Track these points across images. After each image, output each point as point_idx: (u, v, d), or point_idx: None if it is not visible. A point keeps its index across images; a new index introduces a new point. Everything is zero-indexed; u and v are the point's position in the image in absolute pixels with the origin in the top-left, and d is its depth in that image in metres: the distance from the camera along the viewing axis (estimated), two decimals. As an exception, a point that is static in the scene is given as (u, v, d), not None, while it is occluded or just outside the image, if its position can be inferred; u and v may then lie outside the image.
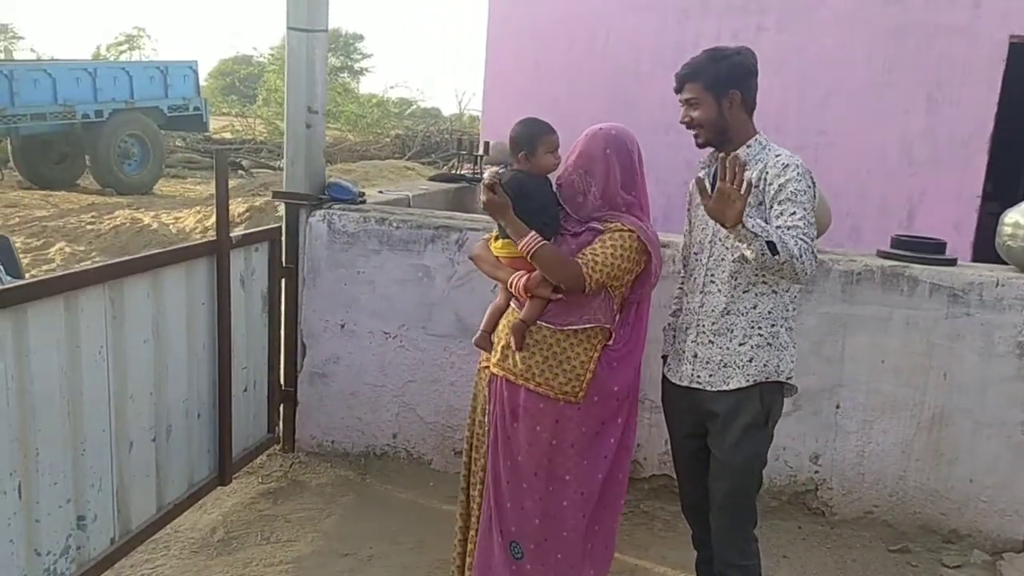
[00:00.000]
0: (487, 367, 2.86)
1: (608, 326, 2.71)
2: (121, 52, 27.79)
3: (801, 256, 2.36)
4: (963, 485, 3.77)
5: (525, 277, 2.69)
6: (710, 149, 2.75)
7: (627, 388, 2.80)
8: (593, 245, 2.65)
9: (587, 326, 2.68)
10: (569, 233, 2.72)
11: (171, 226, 9.44)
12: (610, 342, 2.72)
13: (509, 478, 2.77)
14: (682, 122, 2.69)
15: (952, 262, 3.84)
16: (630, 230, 2.66)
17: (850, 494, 3.88)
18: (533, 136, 2.76)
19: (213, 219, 9.61)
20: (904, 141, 6.99)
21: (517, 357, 2.72)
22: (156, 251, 3.43)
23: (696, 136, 2.68)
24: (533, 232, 2.64)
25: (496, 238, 2.83)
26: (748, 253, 2.41)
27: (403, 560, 3.50)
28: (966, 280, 3.66)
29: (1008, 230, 3.79)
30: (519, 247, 2.66)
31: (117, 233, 9.02)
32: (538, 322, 2.70)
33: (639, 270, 2.70)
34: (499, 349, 2.77)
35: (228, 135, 22.58)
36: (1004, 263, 3.92)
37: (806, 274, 2.41)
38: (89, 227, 9.39)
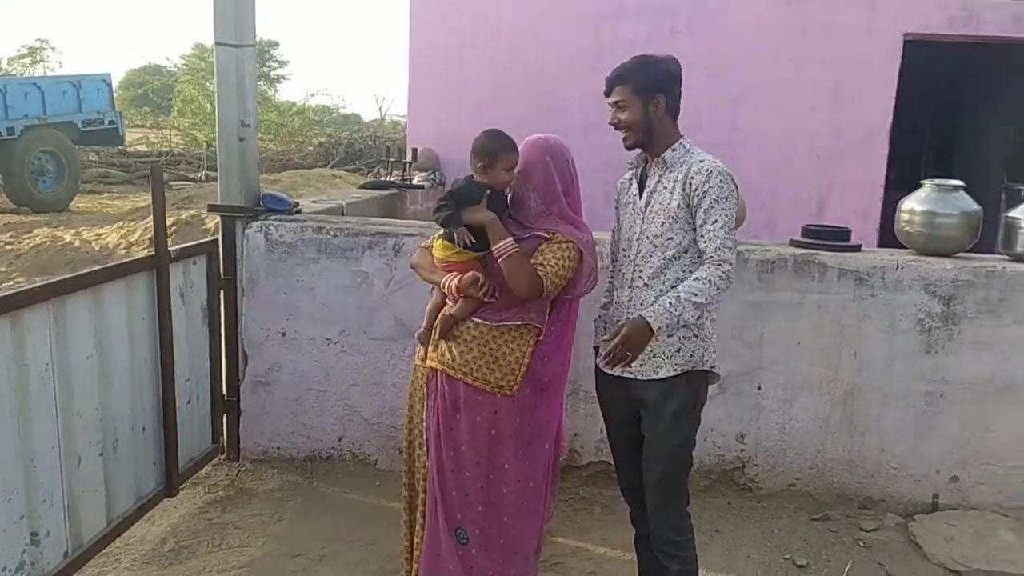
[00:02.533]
0: (421, 365, 3.01)
1: (539, 325, 2.90)
2: (25, 66, 26.88)
3: (719, 289, 2.64)
4: (875, 454, 4.06)
5: (457, 278, 2.85)
6: (638, 150, 2.93)
7: (558, 379, 3.01)
8: (546, 256, 2.81)
9: (520, 323, 2.86)
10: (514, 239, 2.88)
11: (93, 243, 9.27)
12: (541, 337, 2.91)
13: (453, 467, 2.92)
14: (611, 123, 2.85)
15: (857, 248, 4.13)
16: (571, 241, 2.85)
17: (774, 469, 4.14)
18: (495, 151, 2.86)
19: (137, 235, 9.51)
20: (812, 135, 7.39)
21: (455, 352, 2.87)
22: (96, 268, 3.48)
23: (624, 138, 2.84)
24: (511, 239, 2.79)
25: (439, 238, 2.96)
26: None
27: (354, 557, 3.62)
28: (870, 264, 3.95)
29: (905, 216, 4.10)
30: (495, 247, 2.78)
31: (38, 252, 8.83)
32: (473, 318, 2.86)
33: (573, 275, 2.90)
34: (436, 344, 2.93)
35: (143, 147, 22.06)
36: (904, 247, 4.24)
37: (730, 282, 2.68)
38: (8, 247, 9.17)
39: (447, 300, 2.96)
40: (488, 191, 2.87)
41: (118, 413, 3.48)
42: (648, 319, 2.61)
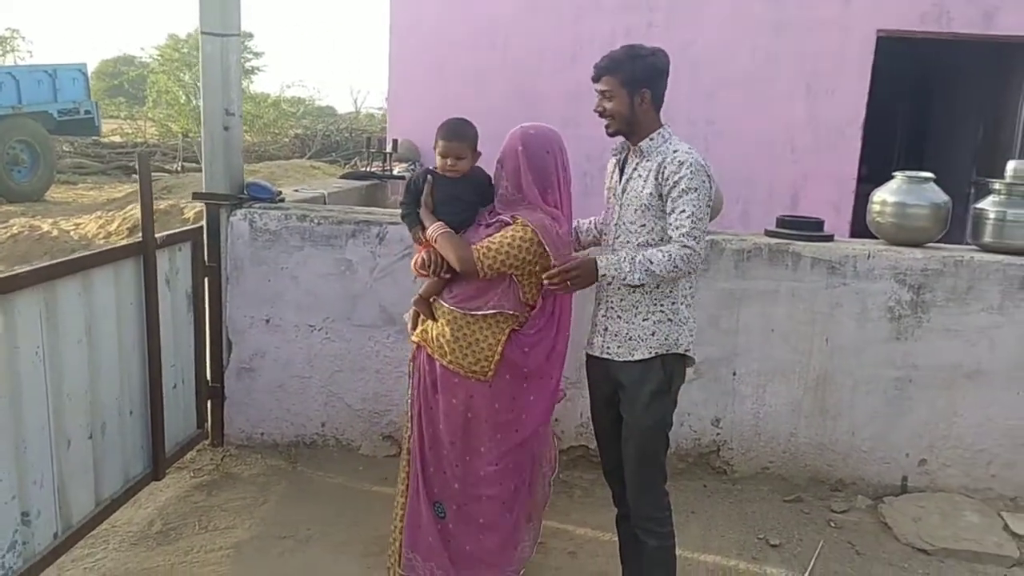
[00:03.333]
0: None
1: (513, 312, 2.94)
2: (-5, 55, 26.58)
3: (676, 267, 2.71)
4: (846, 438, 4.18)
5: (415, 257, 3.02)
6: (621, 138, 3.01)
7: (540, 370, 3.04)
8: (492, 238, 2.89)
9: (491, 312, 2.93)
10: (483, 224, 2.97)
11: (72, 232, 9.24)
12: (520, 327, 2.97)
13: (431, 444, 3.04)
14: (596, 111, 2.90)
15: (829, 238, 4.25)
16: (527, 225, 2.85)
17: (748, 452, 4.25)
18: (437, 136, 3.01)
19: (116, 224, 9.48)
20: (787, 129, 7.51)
21: (434, 332, 2.99)
22: (85, 253, 3.51)
23: (607, 126, 2.90)
24: (439, 222, 2.95)
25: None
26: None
27: (340, 538, 3.68)
28: (842, 254, 4.07)
29: (876, 207, 4.23)
30: (427, 235, 2.97)
31: (16, 242, 8.78)
32: (449, 305, 2.96)
33: (545, 263, 2.87)
34: (421, 322, 3.08)
35: (118, 138, 21.92)
36: (875, 237, 4.36)
37: (692, 266, 2.75)
38: (-16, 237, 9.12)
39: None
40: (428, 177, 3.05)
41: (107, 397, 3.52)
42: (598, 264, 2.75)
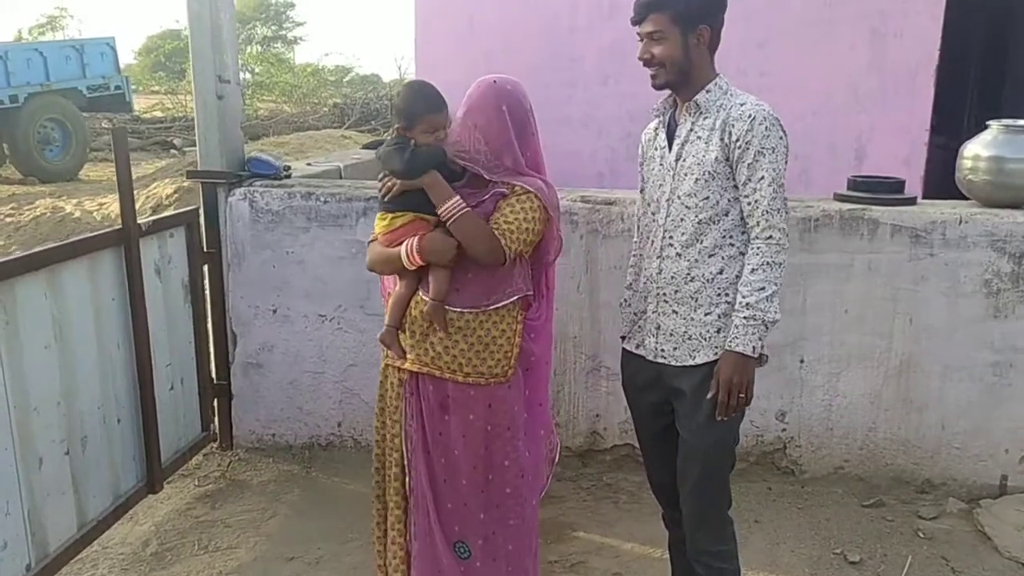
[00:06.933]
0: (391, 365, 2.58)
1: (529, 293, 2.52)
2: (42, 34, 26.63)
3: (775, 255, 2.26)
4: (935, 432, 3.64)
5: (417, 239, 2.40)
6: (665, 93, 2.47)
7: (544, 357, 2.65)
8: (503, 212, 2.39)
9: (512, 299, 2.46)
10: (472, 203, 2.44)
11: (95, 213, 8.95)
12: (528, 312, 2.54)
13: (446, 476, 2.53)
14: (640, 58, 2.37)
15: (912, 201, 3.67)
16: (530, 192, 2.41)
17: (819, 450, 3.73)
18: (412, 114, 2.42)
19: (139, 203, 9.16)
20: (850, 77, 6.81)
21: (440, 348, 2.45)
22: (50, 245, 3.10)
23: (654, 76, 2.36)
24: (457, 197, 2.37)
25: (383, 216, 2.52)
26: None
27: (352, 560, 3.26)
28: (928, 219, 3.50)
29: (968, 163, 3.63)
30: (440, 211, 2.38)
31: (38, 224, 8.52)
32: (458, 309, 2.43)
33: (546, 233, 2.48)
34: (415, 344, 2.49)
35: (159, 113, 21.80)
36: (963, 198, 3.77)
37: (786, 249, 2.30)
38: (8, 219, 8.86)
39: (419, 290, 2.49)
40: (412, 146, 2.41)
41: (86, 406, 3.13)
42: (736, 349, 2.25)
